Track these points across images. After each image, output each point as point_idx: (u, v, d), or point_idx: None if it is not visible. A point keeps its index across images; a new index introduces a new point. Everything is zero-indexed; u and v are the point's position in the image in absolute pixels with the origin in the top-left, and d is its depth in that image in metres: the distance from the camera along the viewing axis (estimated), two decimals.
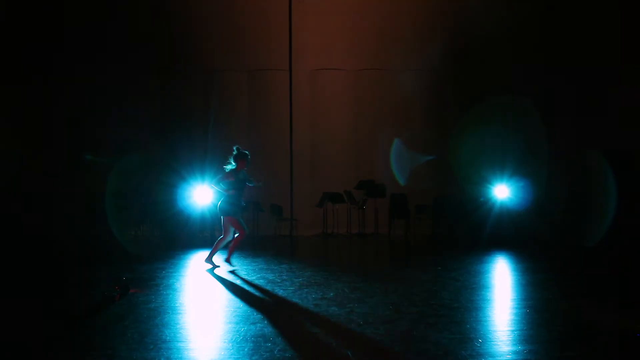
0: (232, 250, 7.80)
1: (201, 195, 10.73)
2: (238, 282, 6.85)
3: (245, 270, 7.66)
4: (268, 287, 6.43)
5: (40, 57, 11.18)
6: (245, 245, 10.45)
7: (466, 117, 11.58)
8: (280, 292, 6.19)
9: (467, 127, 11.44)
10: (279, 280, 6.87)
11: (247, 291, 6.24)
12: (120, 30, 11.46)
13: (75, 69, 11.26)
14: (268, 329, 4.65)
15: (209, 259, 7.78)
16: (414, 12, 12.19)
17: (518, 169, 10.99)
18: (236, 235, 7.64)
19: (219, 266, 7.78)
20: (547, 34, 11.60)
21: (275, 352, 4.07)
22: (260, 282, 6.77)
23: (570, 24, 11.32)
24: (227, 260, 7.84)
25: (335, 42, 12.48)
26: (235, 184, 7.50)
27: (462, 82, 12.12)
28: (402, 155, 11.99)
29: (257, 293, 6.13)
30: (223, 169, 7.54)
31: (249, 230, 8.26)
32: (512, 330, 4.77)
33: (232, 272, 7.47)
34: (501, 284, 7.11)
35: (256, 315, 5.11)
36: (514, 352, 4.16)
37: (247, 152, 7.57)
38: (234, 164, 7.50)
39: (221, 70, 12.56)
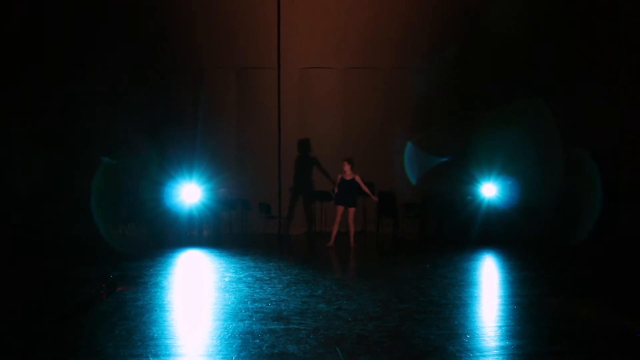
0: None
1: (189, 193, 10.68)
2: (226, 279, 6.83)
3: (234, 268, 7.64)
4: (256, 285, 6.41)
5: (31, 56, 11.07)
6: (234, 244, 10.43)
7: (457, 116, 11.59)
8: (268, 289, 6.18)
9: (459, 126, 11.46)
10: (267, 278, 6.85)
11: (235, 288, 6.23)
12: (108, 29, 11.35)
13: (64, 68, 11.16)
14: (256, 326, 4.64)
15: None
16: (405, 10, 12.14)
17: (506, 167, 11.03)
18: None
19: None
20: (536, 36, 11.64)
21: (264, 349, 4.06)
22: (248, 279, 6.76)
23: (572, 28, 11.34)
24: None
25: (324, 40, 12.41)
26: None
27: (453, 82, 12.08)
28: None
29: (245, 290, 6.12)
30: None
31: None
32: (500, 326, 4.80)
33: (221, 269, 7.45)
34: (489, 281, 7.16)
35: (244, 313, 5.10)
36: (502, 348, 4.19)
37: None
38: None
39: (210, 69, 12.46)
